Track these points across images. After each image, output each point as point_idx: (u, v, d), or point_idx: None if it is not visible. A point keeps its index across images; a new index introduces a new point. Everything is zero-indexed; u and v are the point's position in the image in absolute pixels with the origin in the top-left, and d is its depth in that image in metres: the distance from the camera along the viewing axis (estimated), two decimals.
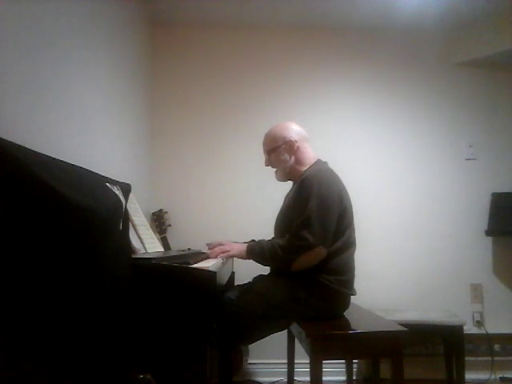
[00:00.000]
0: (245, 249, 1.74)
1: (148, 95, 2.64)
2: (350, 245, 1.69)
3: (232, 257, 1.81)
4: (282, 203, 1.90)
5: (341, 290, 1.63)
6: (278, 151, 1.81)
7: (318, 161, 1.81)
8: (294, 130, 1.84)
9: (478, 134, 2.80)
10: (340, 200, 1.65)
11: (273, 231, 1.87)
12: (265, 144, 1.89)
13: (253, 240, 1.86)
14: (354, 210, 1.77)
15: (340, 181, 1.75)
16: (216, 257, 1.71)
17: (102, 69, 1.76)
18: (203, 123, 2.77)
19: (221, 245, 1.78)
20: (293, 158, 1.80)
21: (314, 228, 1.55)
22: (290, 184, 1.91)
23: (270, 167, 1.91)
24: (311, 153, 1.84)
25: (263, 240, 1.74)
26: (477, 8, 2.57)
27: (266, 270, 1.79)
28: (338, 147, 2.71)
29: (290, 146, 1.80)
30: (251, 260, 1.73)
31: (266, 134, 1.88)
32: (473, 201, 2.73)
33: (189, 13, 2.68)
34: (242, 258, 1.76)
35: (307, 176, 1.67)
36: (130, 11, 2.25)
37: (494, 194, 2.71)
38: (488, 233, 2.64)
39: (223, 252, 1.74)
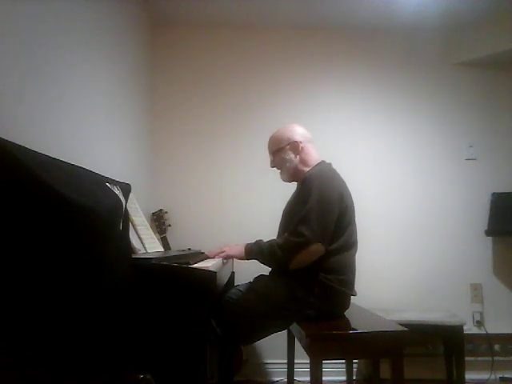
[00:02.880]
0: (243, 249, 1.74)
1: (148, 95, 2.64)
2: (351, 245, 1.69)
3: (231, 257, 1.81)
4: (282, 204, 1.90)
5: (341, 290, 1.63)
6: (283, 151, 1.84)
7: (322, 162, 1.83)
8: (299, 131, 1.87)
9: (477, 134, 2.80)
10: (340, 199, 1.65)
11: (272, 231, 1.86)
12: (270, 145, 1.91)
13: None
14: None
15: (342, 181, 1.77)
16: (214, 257, 1.72)
17: (102, 68, 1.76)
18: (203, 123, 2.77)
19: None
20: (297, 157, 1.83)
21: (311, 224, 1.55)
22: (291, 185, 1.91)
23: (271, 168, 1.93)
24: (315, 154, 1.86)
25: (261, 240, 1.75)
26: (477, 8, 2.56)
27: (266, 270, 1.79)
28: (338, 147, 2.71)
29: (294, 147, 1.82)
30: (251, 260, 1.74)
31: (271, 136, 1.91)
32: (473, 201, 2.73)
33: (189, 13, 2.68)
34: (241, 259, 1.77)
35: (309, 175, 1.70)
36: (130, 11, 2.25)
37: (494, 194, 2.71)
38: (488, 233, 2.64)
39: (222, 252, 1.75)
